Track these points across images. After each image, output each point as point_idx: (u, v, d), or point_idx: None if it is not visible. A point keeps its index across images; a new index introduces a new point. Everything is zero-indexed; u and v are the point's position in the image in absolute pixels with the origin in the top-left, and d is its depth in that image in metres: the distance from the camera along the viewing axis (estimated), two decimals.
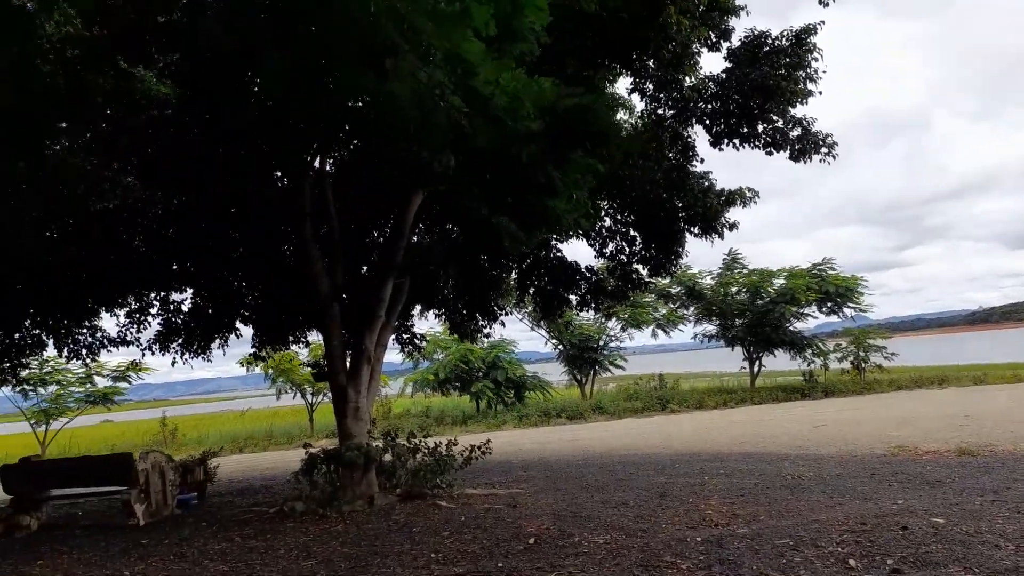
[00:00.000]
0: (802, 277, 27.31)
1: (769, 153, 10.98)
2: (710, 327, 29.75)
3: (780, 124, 10.85)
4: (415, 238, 10.89)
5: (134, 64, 5.25)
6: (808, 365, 27.92)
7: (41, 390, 20.00)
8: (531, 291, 13.09)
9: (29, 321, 11.37)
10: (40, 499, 10.15)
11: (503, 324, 13.65)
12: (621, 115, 11.63)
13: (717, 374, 38.59)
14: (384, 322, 10.31)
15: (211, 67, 5.21)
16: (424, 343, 14.60)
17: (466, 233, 10.64)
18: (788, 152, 10.91)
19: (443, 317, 13.08)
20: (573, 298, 13.11)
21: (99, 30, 4.90)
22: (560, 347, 29.69)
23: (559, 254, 12.75)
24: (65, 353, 12.15)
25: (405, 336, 13.45)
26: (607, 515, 7.92)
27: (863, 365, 28.10)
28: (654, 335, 30.36)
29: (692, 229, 11.71)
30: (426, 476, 10.06)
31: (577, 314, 12.98)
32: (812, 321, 29.63)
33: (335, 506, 9.22)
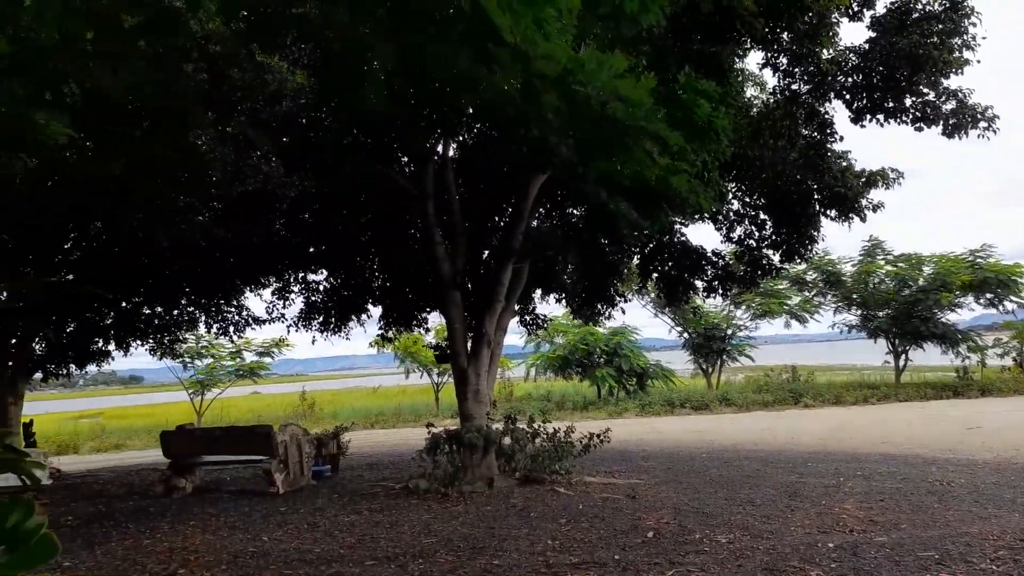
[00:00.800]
0: (956, 264, 24.86)
1: (919, 129, 9.99)
2: (850, 317, 27.83)
3: (931, 97, 9.83)
4: (535, 222, 10.86)
5: (270, 56, 5.50)
6: (962, 361, 25.47)
7: (197, 363, 21.91)
8: (654, 276, 12.74)
9: (184, 300, 12.39)
10: (194, 463, 11.08)
11: (623, 311, 13.43)
12: (751, 92, 11.01)
13: (857, 367, 36.17)
14: (504, 306, 10.39)
15: (340, 56, 5.35)
16: (547, 325, 14.58)
17: (586, 217, 10.50)
18: (941, 127, 9.87)
19: (563, 301, 13.00)
20: (699, 284, 12.63)
21: (237, 24, 5.17)
22: (685, 335, 28.84)
23: (683, 238, 12.32)
24: (214, 330, 13.18)
25: (527, 318, 13.49)
26: (731, 513, 7.59)
27: None
28: (787, 324, 28.79)
29: (829, 212, 10.91)
30: (544, 461, 10.08)
31: (704, 301, 12.48)
32: (968, 313, 27.00)
33: (456, 486, 9.43)
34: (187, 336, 15.98)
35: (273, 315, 13.43)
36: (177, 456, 11.00)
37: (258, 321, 13.57)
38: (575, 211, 11.40)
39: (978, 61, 9.62)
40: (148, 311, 12.64)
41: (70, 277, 10.98)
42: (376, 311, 13.32)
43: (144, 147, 6.26)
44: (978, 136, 9.79)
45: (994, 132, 9.75)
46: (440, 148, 10.16)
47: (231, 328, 13.17)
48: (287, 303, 13.30)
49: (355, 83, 4.80)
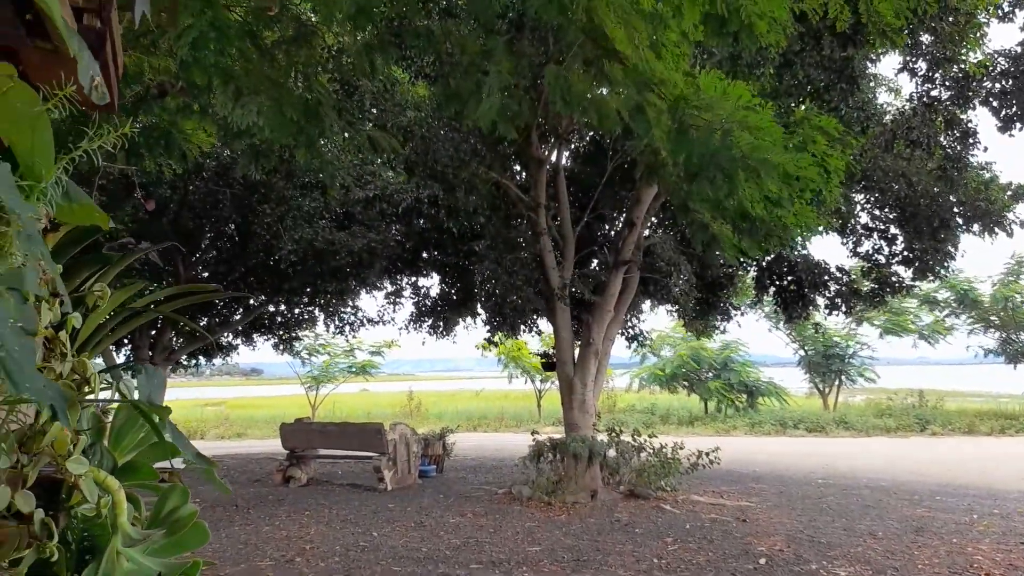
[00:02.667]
0: None
1: None
2: (987, 340, 25.63)
3: None
4: (646, 232, 10.69)
5: (394, 68, 5.70)
6: None
7: (313, 359, 23.02)
8: (771, 291, 12.22)
9: (306, 299, 13.06)
10: (309, 456, 11.62)
11: (739, 324, 12.97)
12: (884, 98, 10.36)
13: (993, 395, 33.27)
14: (612, 316, 10.28)
15: (460, 67, 5.48)
16: (651, 339, 14.35)
17: (691, 236, 10.26)
18: None
19: (674, 313, 12.71)
20: (820, 300, 11.99)
21: (365, 36, 5.40)
22: (802, 352, 27.45)
23: (804, 252, 11.74)
24: (332, 328, 13.82)
25: (633, 330, 13.32)
26: (850, 545, 7.14)
27: None
28: (914, 345, 26.87)
29: (970, 227, 10.09)
30: (650, 477, 9.88)
31: (826, 317, 11.82)
32: None
33: (559, 495, 9.40)
34: (306, 334, 16.83)
35: (385, 317, 13.95)
36: (294, 448, 11.57)
37: (371, 322, 14.12)
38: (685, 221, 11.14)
39: None
40: (272, 309, 13.41)
41: (205, 275, 11.83)
42: (483, 315, 13.57)
43: (280, 154, 6.63)
44: None
45: None
46: (553, 156, 10.20)
47: (347, 328, 13.77)
48: (398, 306, 13.78)
49: (473, 94, 4.89)
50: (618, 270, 10.01)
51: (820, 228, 6.56)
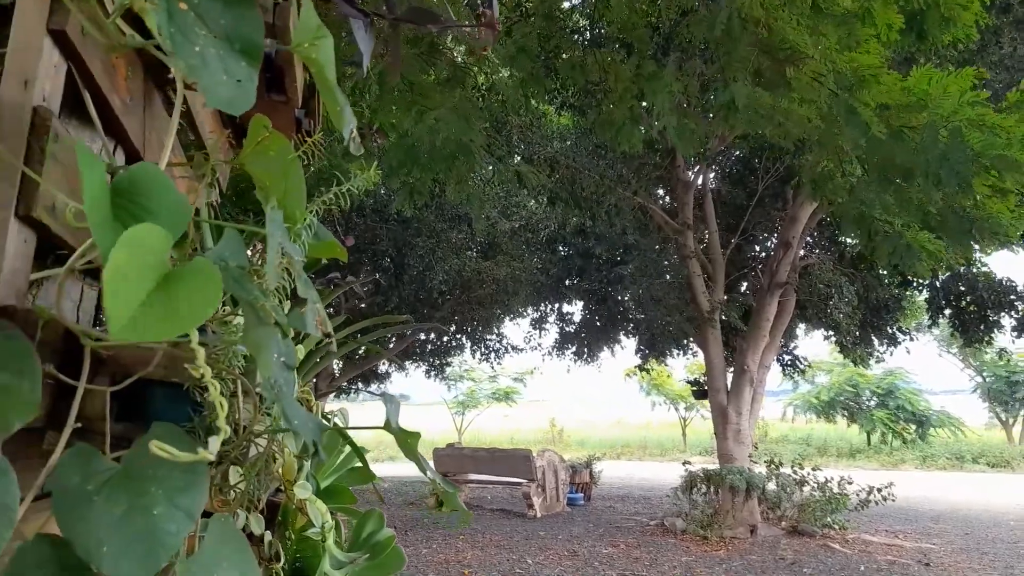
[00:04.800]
0: None
1: None
2: None
3: None
4: (802, 252, 10.14)
5: (541, 100, 5.83)
6: None
7: (459, 385, 23.65)
8: (946, 313, 11.16)
9: (454, 327, 13.49)
10: (461, 480, 11.88)
11: (907, 351, 11.93)
12: None
13: None
14: (768, 341, 9.80)
15: (614, 94, 5.50)
16: (808, 365, 13.53)
17: (859, 252, 9.59)
18: None
19: (832, 338, 11.91)
20: (1006, 322, 10.78)
21: (515, 71, 5.56)
22: (979, 379, 24.80)
23: (985, 269, 10.65)
24: (478, 356, 14.16)
25: (787, 357, 12.62)
26: None
27: None
28: None
29: None
30: (815, 512, 9.25)
31: (1014, 340, 10.58)
32: None
33: (715, 529, 9.01)
34: (452, 361, 17.36)
35: (530, 343, 14.13)
36: (447, 472, 11.88)
37: (516, 349, 14.33)
38: (848, 240, 10.46)
39: None
40: (423, 337, 13.95)
41: (362, 306, 12.52)
42: (628, 342, 13.40)
43: (432, 190, 6.92)
44: None
45: None
46: (700, 179, 9.97)
47: (492, 354, 14.06)
48: (543, 333, 13.91)
49: (626, 122, 4.87)
50: (773, 293, 9.55)
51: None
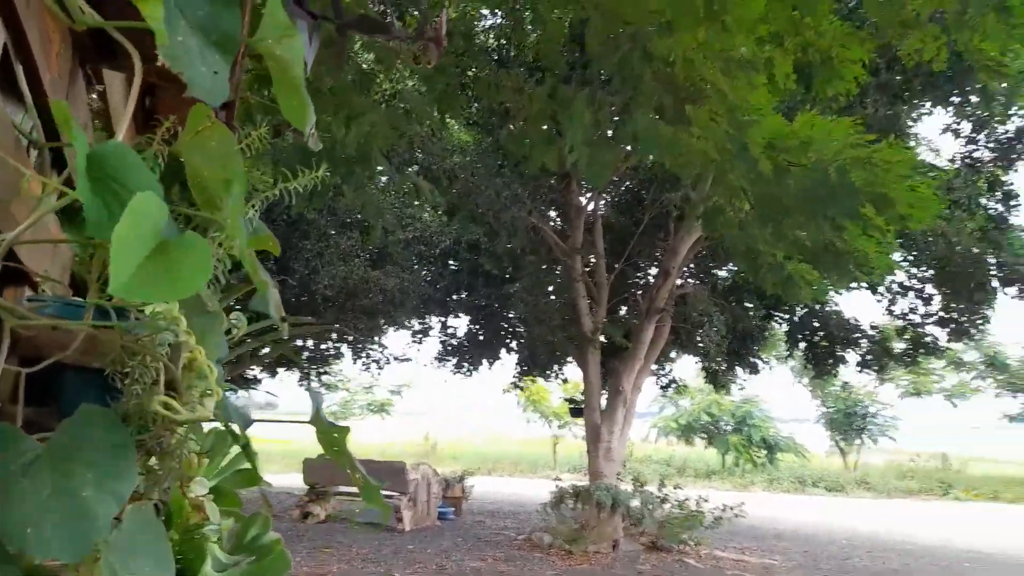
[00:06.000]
0: None
1: None
2: (1015, 405, 25.15)
3: None
4: (679, 281, 10.72)
5: (451, 115, 5.87)
6: None
7: (334, 394, 23.07)
8: (801, 346, 12.14)
9: (335, 335, 13.15)
10: (329, 493, 11.55)
11: (767, 377, 12.85)
12: (926, 156, 10.42)
13: (1020, 462, 32.41)
14: (642, 365, 10.25)
15: (520, 116, 5.62)
16: (683, 386, 14.27)
17: (756, 280, 10.25)
18: None
19: (701, 364, 12.64)
20: (851, 357, 11.88)
21: (427, 86, 5.57)
22: (824, 409, 27.03)
23: (836, 308, 11.69)
24: (359, 365, 13.88)
25: (663, 380, 13.26)
26: None
27: None
28: (940, 408, 26.41)
29: (1007, 290, 10.02)
30: (673, 529, 9.71)
31: (857, 375, 11.74)
32: None
33: (580, 544, 9.26)
34: (330, 369, 16.89)
35: (410, 354, 14.02)
36: (316, 483, 11.51)
37: (397, 359, 14.16)
38: (721, 272, 11.18)
39: None
40: (300, 343, 13.50)
41: (237, 308, 11.95)
42: (508, 358, 13.59)
43: (329, 193, 6.78)
44: None
45: None
46: (591, 205, 10.34)
47: (373, 364, 13.82)
48: (423, 344, 13.83)
49: (538, 145, 5.00)
50: (651, 318, 10.02)
51: (893, 267, 6.55)
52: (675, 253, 9.87)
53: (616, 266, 10.66)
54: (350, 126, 4.01)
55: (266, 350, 12.96)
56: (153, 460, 1.11)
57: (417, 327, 13.58)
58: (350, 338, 12.92)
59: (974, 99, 8.37)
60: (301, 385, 14.89)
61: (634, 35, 3.43)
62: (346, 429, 1.23)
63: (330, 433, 1.20)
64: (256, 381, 14.84)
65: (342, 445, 1.23)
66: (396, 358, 13.83)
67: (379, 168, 6.87)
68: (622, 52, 3.21)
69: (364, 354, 13.62)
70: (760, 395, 25.95)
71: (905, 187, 3.36)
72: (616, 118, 3.76)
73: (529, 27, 5.43)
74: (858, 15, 5.90)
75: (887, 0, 3.04)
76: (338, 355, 13.96)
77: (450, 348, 13.41)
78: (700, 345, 10.74)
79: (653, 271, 11.19)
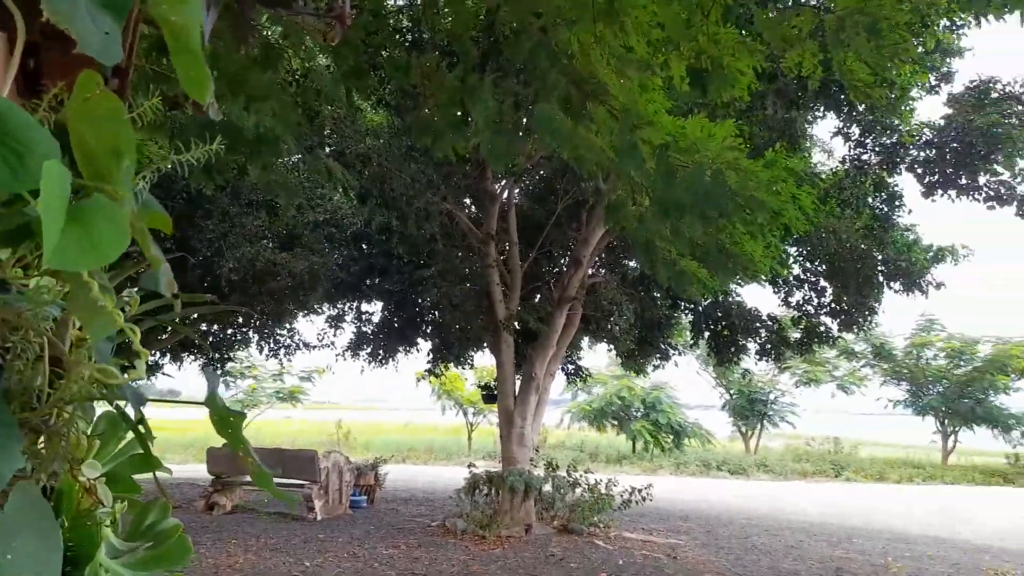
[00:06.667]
0: (1016, 348, 24.06)
1: (991, 208, 9.88)
2: (898, 392, 27.09)
3: (1007, 176, 9.76)
4: (590, 271, 10.96)
5: (363, 97, 5.77)
6: (1014, 447, 24.52)
7: (240, 382, 22.27)
8: (706, 335, 12.66)
9: (241, 319, 12.71)
10: (235, 483, 11.21)
11: (676, 364, 13.31)
12: (819, 158, 11.04)
13: (902, 445, 34.98)
14: (554, 352, 10.44)
15: (430, 100, 5.58)
16: (589, 375, 14.61)
17: (640, 274, 10.57)
18: (1015, 208, 9.76)
19: (613, 351, 12.99)
20: (751, 346, 12.50)
21: (337, 64, 5.44)
22: (727, 396, 28.32)
23: (739, 299, 12.25)
24: (266, 352, 13.46)
25: (571, 367, 13.52)
26: None
27: None
28: (832, 395, 28.14)
29: (892, 285, 10.78)
30: (584, 513, 9.97)
31: (756, 363, 12.37)
32: (1022, 398, 26.07)
33: (493, 528, 9.38)
34: (236, 355, 16.31)
35: (323, 342, 13.70)
36: (221, 473, 11.16)
37: (308, 346, 13.82)
38: (630, 262, 11.49)
39: None
40: (204, 328, 12.98)
41: (134, 290, 11.37)
42: (424, 345, 13.52)
43: (232, 170, 6.54)
44: None
45: None
46: (506, 193, 10.40)
47: (282, 351, 13.44)
48: (338, 331, 13.56)
49: (447, 130, 4.99)
50: (562, 306, 10.20)
51: (778, 271, 6.97)
52: (587, 243, 10.08)
53: (530, 254, 10.79)
54: (249, 108, 3.88)
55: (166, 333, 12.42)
56: (40, 441, 1.07)
57: (330, 313, 13.30)
58: (257, 323, 12.52)
59: (861, 107, 8.96)
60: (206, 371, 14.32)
61: (544, 28, 3.49)
62: (243, 414, 1.21)
63: (225, 416, 1.18)
64: (158, 367, 14.19)
65: (237, 429, 1.21)
66: (307, 345, 13.50)
67: (286, 148, 6.68)
68: (531, 43, 3.26)
69: (272, 340, 13.23)
70: (669, 382, 26.92)
71: (773, 192, 3.58)
72: (520, 108, 3.81)
73: (445, 10, 5.39)
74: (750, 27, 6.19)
75: (774, 17, 3.21)
76: (245, 341, 13.50)
77: (364, 335, 13.22)
78: (610, 333, 11.02)
79: (566, 260, 11.39)
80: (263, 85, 5.43)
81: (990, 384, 24.25)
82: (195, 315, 11.23)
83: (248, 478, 11.26)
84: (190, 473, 15.28)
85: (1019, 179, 9.70)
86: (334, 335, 13.35)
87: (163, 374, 14.13)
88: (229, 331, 13.47)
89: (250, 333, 13.59)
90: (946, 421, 25.74)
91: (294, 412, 32.62)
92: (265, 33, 6.08)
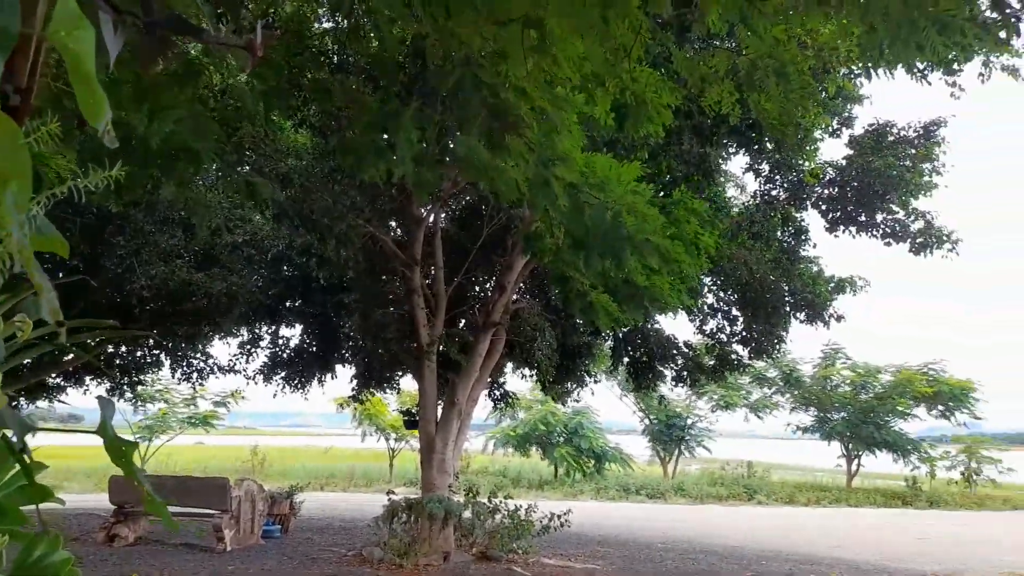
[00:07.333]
0: (914, 377, 25.61)
1: (888, 244, 10.60)
2: (806, 418, 28.33)
3: (901, 215, 10.49)
4: (515, 296, 11.07)
5: (284, 116, 5.71)
6: (912, 470, 25.98)
7: (150, 407, 21.18)
8: (625, 361, 12.95)
9: (151, 341, 12.18)
10: (139, 513, 10.66)
11: (592, 392, 13.54)
12: (732, 192, 11.57)
13: (810, 468, 36.46)
14: (478, 377, 10.45)
15: (353, 123, 5.59)
16: (516, 401, 14.66)
17: (563, 302, 10.78)
18: (908, 245, 10.49)
19: (534, 377, 13.10)
20: (668, 373, 12.86)
21: (258, 83, 5.39)
22: (646, 421, 28.90)
23: (657, 326, 12.61)
24: (178, 375, 12.93)
25: (497, 392, 13.54)
26: None
27: (974, 478, 25.89)
28: (745, 419, 29.16)
29: (797, 315, 11.35)
30: (503, 539, 9.95)
31: (672, 389, 12.73)
32: (919, 424, 27.71)
33: (411, 557, 9.23)
34: (146, 379, 15.57)
35: (236, 366, 13.23)
36: (123, 503, 10.59)
37: (222, 370, 13.35)
38: (555, 290, 11.68)
39: (946, 186, 10.35)
40: (112, 349, 12.38)
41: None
42: (342, 371, 13.26)
43: (144, 187, 6.33)
44: (942, 256, 10.41)
45: (956, 254, 10.38)
46: (432, 217, 10.41)
47: (195, 375, 12.94)
48: (252, 355, 13.12)
49: (369, 153, 5.00)
50: (486, 332, 10.24)
51: (686, 304, 7.26)
52: (511, 269, 10.18)
53: (455, 279, 10.81)
54: (153, 121, 3.80)
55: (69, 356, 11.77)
56: None
57: (244, 337, 12.90)
58: (170, 345, 12.03)
59: (769, 146, 9.52)
60: (112, 396, 13.61)
61: (467, 59, 3.57)
62: (135, 444, 1.20)
63: (117, 445, 1.16)
64: (59, 389, 13.40)
65: (129, 457, 1.19)
66: (221, 368, 13.04)
67: (209, 166, 6.53)
68: (457, 75, 3.34)
69: (185, 363, 12.72)
70: (592, 407, 27.26)
71: (667, 238, 3.77)
72: (444, 137, 3.88)
73: (371, 34, 5.43)
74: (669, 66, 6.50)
75: (692, 57, 3.40)
76: (156, 364, 12.93)
77: (280, 360, 12.86)
78: (533, 358, 11.12)
79: (490, 286, 11.46)
80: (180, 100, 5.31)
81: (890, 410, 25.64)
82: (100, 338, 10.67)
83: None
84: (93, 503, 14.42)
85: (912, 218, 10.43)
86: (246, 361, 12.91)
87: (60, 401, 13.37)
88: (139, 353, 12.89)
89: (162, 356, 13.05)
90: (850, 446, 27.01)
91: (208, 438, 31.29)
92: (186, 49, 5.97)
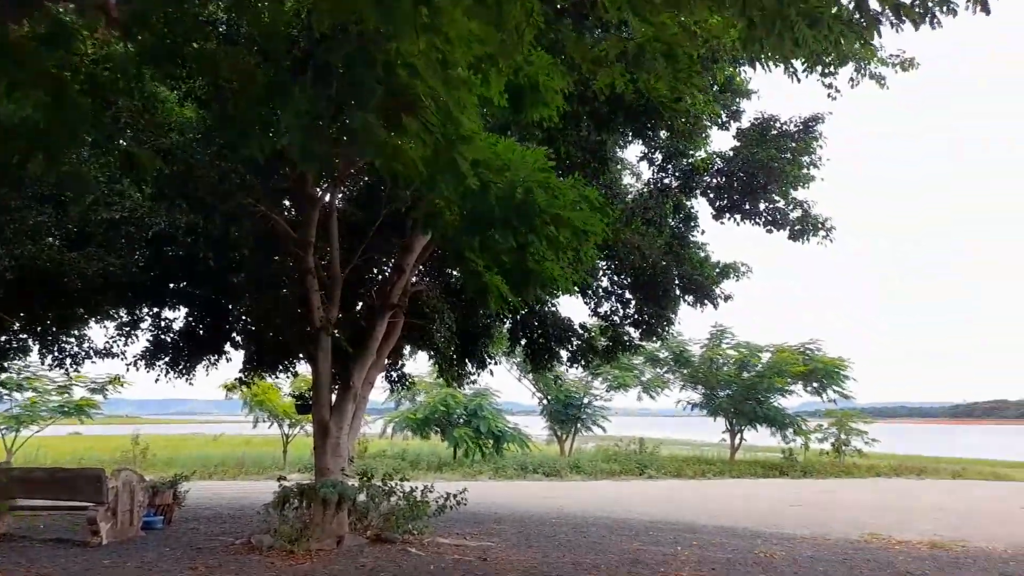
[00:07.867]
0: (791, 356, 27.45)
1: (769, 231, 11.25)
2: (694, 395, 29.81)
3: (781, 204, 11.16)
4: (414, 279, 10.98)
5: (167, 86, 5.39)
6: (788, 443, 27.91)
7: (16, 395, 19.61)
8: (522, 342, 13.15)
9: (17, 325, 11.28)
10: (4, 507, 9.91)
11: (491, 373, 13.66)
12: (628, 179, 11.92)
13: (697, 443, 38.41)
14: (374, 360, 10.31)
15: (238, 96, 5.35)
16: (413, 384, 14.59)
17: (462, 284, 10.80)
18: (788, 232, 11.17)
19: (433, 360, 13.09)
20: (564, 353, 13.17)
21: (133, 50, 5.05)
22: (544, 401, 29.53)
23: (554, 309, 12.86)
24: (49, 361, 12.04)
25: (394, 375, 13.42)
26: None
27: (843, 448, 28.10)
28: (639, 398, 30.36)
29: (686, 297, 11.88)
30: (398, 521, 9.92)
31: (567, 370, 13.12)
32: (795, 399, 29.79)
33: (303, 543, 9.05)
34: (11, 365, 14.41)
35: (115, 350, 12.41)
36: None
37: (99, 353, 12.52)
38: (454, 273, 11.67)
39: (822, 179, 11.14)
40: None
41: None
42: (233, 355, 12.73)
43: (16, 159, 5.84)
44: (817, 243, 11.20)
45: (831, 240, 11.22)
46: (327, 197, 10.13)
47: (68, 360, 12.08)
48: (132, 339, 12.33)
49: (254, 128, 4.82)
50: (384, 314, 10.11)
51: (578, 285, 7.46)
52: (410, 251, 10.08)
53: (352, 260, 10.58)
54: (12, 95, 3.53)
55: None
56: None
57: (124, 320, 12.13)
58: (39, 328, 11.18)
59: (663, 134, 9.89)
60: None
61: (361, 33, 3.49)
62: None
63: None
64: None
65: None
66: (97, 352, 12.23)
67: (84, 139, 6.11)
68: (347, 49, 3.26)
69: (56, 348, 11.85)
70: (492, 389, 27.54)
71: (576, 211, 3.89)
72: (340, 113, 3.79)
73: (262, 3, 5.20)
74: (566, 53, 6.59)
75: (579, 39, 3.48)
76: (23, 349, 11.98)
77: (163, 343, 12.18)
78: (432, 341, 11.10)
79: (388, 268, 11.32)
80: (46, 66, 4.92)
81: (769, 387, 27.38)
82: None
83: (19, 502, 10.02)
84: None
85: (791, 207, 11.11)
86: (125, 344, 12.14)
87: None
88: (3, 337, 11.91)
89: (30, 340, 12.11)
90: (734, 421, 28.69)
91: (84, 428, 29.39)
92: (57, 10, 5.52)
